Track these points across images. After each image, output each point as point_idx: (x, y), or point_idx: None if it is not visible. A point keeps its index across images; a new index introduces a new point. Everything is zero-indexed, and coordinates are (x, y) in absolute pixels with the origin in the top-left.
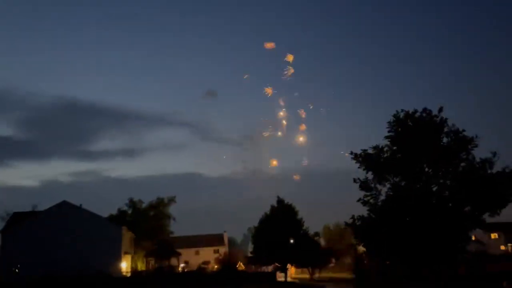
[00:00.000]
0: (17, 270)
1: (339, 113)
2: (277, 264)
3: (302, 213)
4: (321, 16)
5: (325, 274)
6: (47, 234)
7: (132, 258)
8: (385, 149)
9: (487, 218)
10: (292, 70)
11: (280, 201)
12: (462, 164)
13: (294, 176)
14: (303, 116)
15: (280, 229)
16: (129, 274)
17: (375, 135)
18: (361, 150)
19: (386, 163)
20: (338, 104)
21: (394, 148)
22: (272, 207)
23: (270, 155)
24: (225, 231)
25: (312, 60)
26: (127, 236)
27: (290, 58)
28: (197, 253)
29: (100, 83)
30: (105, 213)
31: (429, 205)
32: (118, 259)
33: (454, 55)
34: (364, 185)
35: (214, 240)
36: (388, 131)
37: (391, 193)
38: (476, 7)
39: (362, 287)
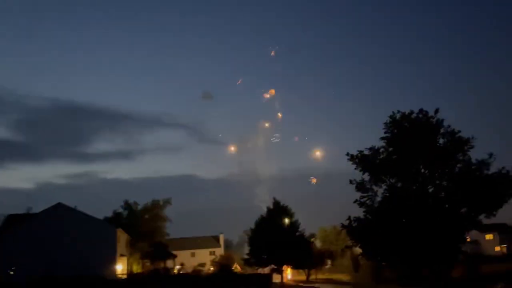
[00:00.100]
0: (11, 273)
1: (339, 113)
2: (273, 265)
3: (298, 215)
4: (321, 16)
5: (322, 276)
6: (42, 236)
7: (128, 260)
8: (381, 150)
9: (483, 219)
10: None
11: (276, 203)
12: (458, 165)
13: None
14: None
15: (276, 231)
16: (124, 276)
17: (375, 136)
18: (358, 151)
19: (382, 164)
20: (338, 104)
21: (390, 149)
22: (268, 209)
23: (267, 157)
24: (221, 233)
25: (312, 60)
26: (122, 238)
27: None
28: (193, 255)
29: (97, 84)
30: (100, 215)
31: (426, 206)
32: (114, 261)
33: (454, 55)
34: (360, 186)
35: (210, 242)
36: (385, 132)
37: (387, 194)
38: (476, 7)
39: None
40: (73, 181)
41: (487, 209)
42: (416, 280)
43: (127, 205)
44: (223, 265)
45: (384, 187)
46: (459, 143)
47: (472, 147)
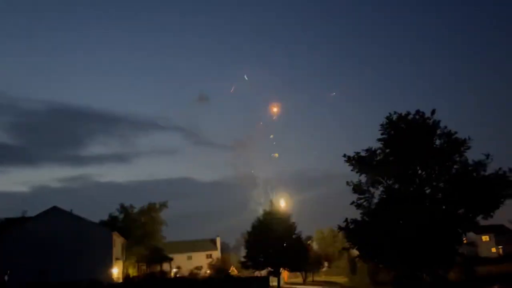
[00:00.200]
0: (6, 277)
1: (339, 113)
2: (270, 268)
3: (295, 217)
4: (321, 16)
5: (319, 278)
6: (37, 240)
7: (124, 263)
8: (378, 151)
9: (480, 220)
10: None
11: (272, 205)
12: (455, 166)
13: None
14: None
15: (272, 233)
16: (120, 280)
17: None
18: (354, 152)
19: (379, 166)
20: (338, 104)
21: (387, 150)
22: (265, 212)
23: (264, 159)
24: (217, 236)
25: (312, 60)
26: (118, 241)
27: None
28: (189, 258)
29: (92, 87)
30: (96, 219)
31: (423, 207)
32: (110, 264)
33: (454, 55)
34: (357, 188)
35: (206, 245)
36: (381, 134)
37: (384, 196)
38: (476, 7)
39: None
40: (68, 184)
41: (484, 210)
42: (413, 282)
43: (123, 209)
44: (220, 268)
45: (381, 188)
46: (455, 144)
47: (468, 148)
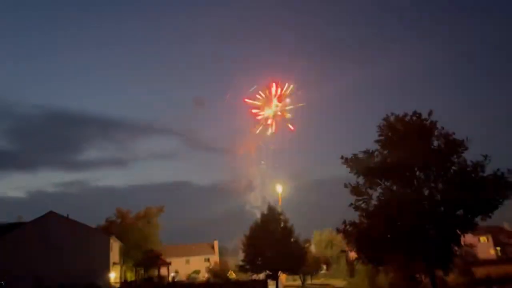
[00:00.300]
0: (3, 283)
1: (339, 113)
2: (268, 271)
3: (293, 220)
4: (321, 16)
5: (318, 281)
6: (33, 245)
7: (121, 268)
8: (376, 153)
9: (479, 221)
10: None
11: (270, 208)
12: (453, 167)
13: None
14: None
15: (270, 236)
16: (118, 285)
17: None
18: (352, 154)
19: (377, 168)
20: (338, 104)
21: (385, 152)
22: (263, 215)
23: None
24: (215, 240)
25: (312, 60)
26: (115, 246)
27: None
28: (187, 262)
29: (88, 92)
30: (93, 223)
31: (421, 209)
32: (107, 269)
33: (454, 55)
34: (355, 190)
35: (204, 248)
36: (379, 135)
37: (382, 198)
38: (476, 7)
39: None
40: (65, 189)
41: (482, 211)
42: (411, 284)
43: (120, 213)
44: (218, 272)
45: (379, 190)
46: (453, 145)
47: (466, 148)
